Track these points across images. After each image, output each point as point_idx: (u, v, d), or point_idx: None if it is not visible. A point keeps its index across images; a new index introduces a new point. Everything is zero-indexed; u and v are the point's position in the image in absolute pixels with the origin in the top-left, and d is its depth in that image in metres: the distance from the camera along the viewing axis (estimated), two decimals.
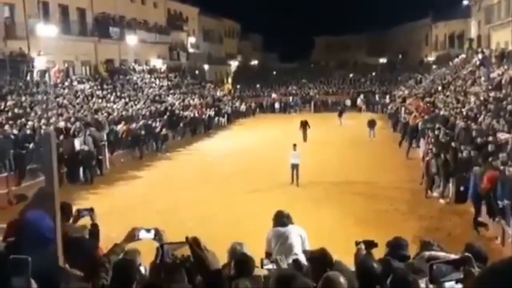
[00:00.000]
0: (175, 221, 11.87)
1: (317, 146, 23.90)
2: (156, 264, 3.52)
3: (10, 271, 2.40)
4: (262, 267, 4.28)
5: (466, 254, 3.52)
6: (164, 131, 24.60)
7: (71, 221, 4.56)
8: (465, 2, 41.11)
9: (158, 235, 3.64)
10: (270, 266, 4.32)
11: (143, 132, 22.65)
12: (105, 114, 23.26)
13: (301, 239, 5.73)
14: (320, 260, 3.95)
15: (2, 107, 19.12)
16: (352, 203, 14.19)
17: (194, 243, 3.09)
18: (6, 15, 23.80)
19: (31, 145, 16.21)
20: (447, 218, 12.36)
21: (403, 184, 16.16)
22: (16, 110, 19.05)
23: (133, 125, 22.57)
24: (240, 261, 3.12)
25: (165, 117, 26.89)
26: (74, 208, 4.86)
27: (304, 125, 26.09)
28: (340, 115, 34.60)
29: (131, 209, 13.82)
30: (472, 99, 22.38)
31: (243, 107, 41.49)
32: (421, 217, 12.53)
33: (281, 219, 5.92)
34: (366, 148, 23.18)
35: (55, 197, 3.59)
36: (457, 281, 3.19)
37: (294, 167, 16.23)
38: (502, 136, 14.21)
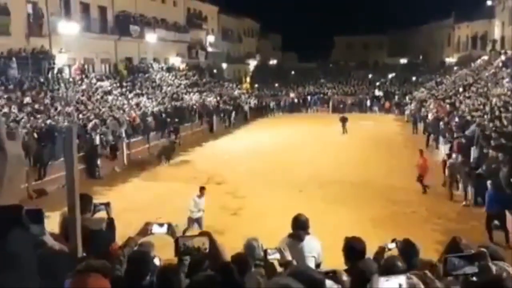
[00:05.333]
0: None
1: (336, 147, 23.77)
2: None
3: (28, 220, 2.63)
4: (266, 257, 4.25)
5: (481, 249, 3.48)
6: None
7: (90, 214, 4.60)
8: (488, 3, 40.42)
9: (171, 230, 3.65)
10: (274, 256, 4.29)
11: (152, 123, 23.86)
12: (124, 110, 23.56)
13: (315, 260, 5.39)
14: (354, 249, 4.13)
15: (24, 102, 19.44)
16: (370, 204, 14.08)
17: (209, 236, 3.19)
18: (29, 13, 24.17)
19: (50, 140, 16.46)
20: (465, 221, 12.15)
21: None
22: (36, 106, 19.34)
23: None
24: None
25: (173, 109, 27.69)
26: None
27: (343, 120, 29.74)
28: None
29: (148, 205, 13.93)
30: (494, 100, 21.98)
31: (246, 107, 38.75)
32: (439, 220, 12.35)
33: (298, 230, 5.34)
34: (385, 149, 22.95)
35: (75, 190, 3.63)
36: (471, 275, 3.25)
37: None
38: None
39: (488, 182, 11.73)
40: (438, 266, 4.04)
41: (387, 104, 41.88)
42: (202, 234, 3.30)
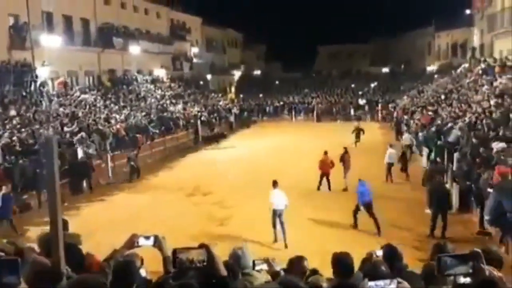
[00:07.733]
0: (179, 228, 11.87)
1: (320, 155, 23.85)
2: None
3: (2, 271, 2.65)
4: (254, 267, 4.25)
5: (476, 249, 3.49)
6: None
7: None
8: (467, 11, 41.19)
9: (157, 242, 3.61)
10: (261, 266, 4.30)
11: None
12: (109, 122, 23.40)
13: None
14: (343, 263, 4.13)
15: (6, 117, 19.17)
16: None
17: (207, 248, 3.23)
18: (10, 25, 23.95)
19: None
20: (450, 227, 12.23)
21: (408, 194, 16.11)
22: (18, 119, 19.09)
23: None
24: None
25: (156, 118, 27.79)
26: None
27: (358, 131, 27.82)
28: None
29: (134, 217, 13.82)
30: (474, 107, 22.33)
31: (232, 117, 38.67)
32: (425, 226, 12.43)
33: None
34: (372, 158, 23.01)
35: (57, 202, 3.59)
36: (464, 275, 3.23)
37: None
38: (497, 145, 14.03)
39: (359, 179, 13.28)
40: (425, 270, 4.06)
41: (384, 112, 41.58)
42: (200, 246, 3.29)
